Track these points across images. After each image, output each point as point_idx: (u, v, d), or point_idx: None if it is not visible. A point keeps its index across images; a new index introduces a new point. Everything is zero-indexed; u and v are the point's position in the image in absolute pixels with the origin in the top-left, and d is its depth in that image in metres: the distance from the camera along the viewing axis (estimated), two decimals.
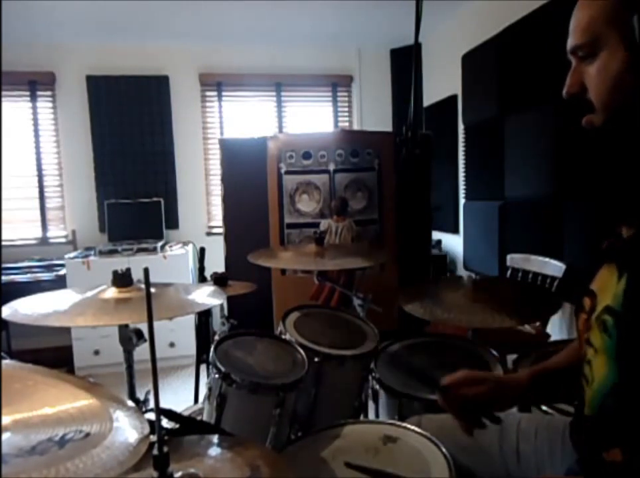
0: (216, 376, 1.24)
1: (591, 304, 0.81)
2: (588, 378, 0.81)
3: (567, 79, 0.79)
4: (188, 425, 1.08)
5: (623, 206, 0.84)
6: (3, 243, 3.66)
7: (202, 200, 4.20)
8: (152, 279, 0.73)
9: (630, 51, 0.71)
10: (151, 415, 0.71)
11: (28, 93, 3.88)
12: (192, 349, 2.74)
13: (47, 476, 0.54)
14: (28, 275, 3.53)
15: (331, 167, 2.84)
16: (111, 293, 1.17)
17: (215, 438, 0.96)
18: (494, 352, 1.52)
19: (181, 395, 3.04)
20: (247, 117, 4.26)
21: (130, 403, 0.74)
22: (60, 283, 3.38)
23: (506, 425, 1.04)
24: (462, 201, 3.65)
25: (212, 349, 1.32)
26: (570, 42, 0.78)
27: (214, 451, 0.92)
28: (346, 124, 4.45)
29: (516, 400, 1.00)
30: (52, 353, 3.45)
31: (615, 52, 0.72)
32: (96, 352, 3.43)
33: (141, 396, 1.26)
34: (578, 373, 0.87)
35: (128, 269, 1.21)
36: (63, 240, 3.98)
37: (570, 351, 1.02)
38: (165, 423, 1.04)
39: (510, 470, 0.99)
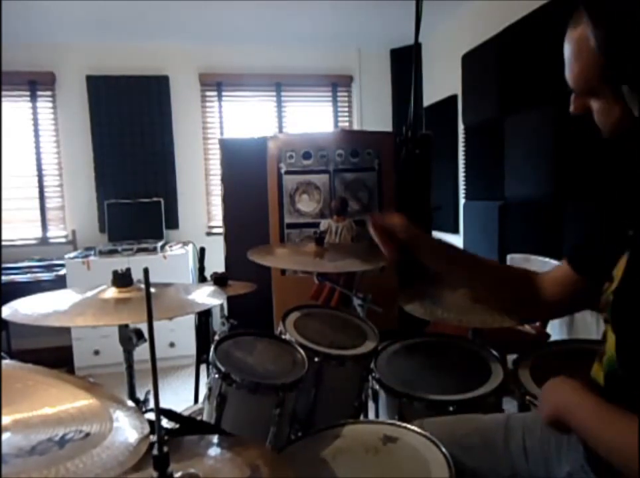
0: (216, 376, 1.25)
1: (609, 287, 0.85)
2: (606, 352, 0.84)
3: (571, 101, 0.83)
4: (188, 425, 1.08)
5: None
6: (3, 243, 3.66)
7: (202, 200, 4.20)
8: (152, 279, 0.73)
9: (625, 103, 0.73)
10: (151, 415, 0.71)
11: (28, 93, 3.88)
12: (192, 349, 2.74)
13: (47, 476, 0.54)
14: (28, 275, 3.53)
15: (331, 167, 2.84)
16: (111, 293, 1.17)
17: (215, 438, 0.96)
18: (494, 352, 1.52)
19: (181, 395, 3.04)
20: (247, 117, 4.26)
21: (130, 403, 0.74)
22: (60, 283, 3.38)
23: (511, 423, 1.04)
24: (462, 201, 3.65)
25: (212, 349, 1.32)
26: (568, 80, 0.81)
27: (214, 451, 0.92)
28: (346, 124, 4.45)
29: (427, 251, 1.06)
30: (52, 353, 3.45)
31: (611, 103, 0.76)
32: (96, 352, 3.43)
33: (141, 396, 1.26)
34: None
35: (128, 269, 1.21)
36: (63, 240, 3.98)
37: (506, 266, 1.09)
38: (165, 423, 1.04)
39: (518, 469, 0.99)
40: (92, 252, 3.57)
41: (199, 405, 1.95)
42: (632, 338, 0.76)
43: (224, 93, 4.20)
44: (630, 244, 0.84)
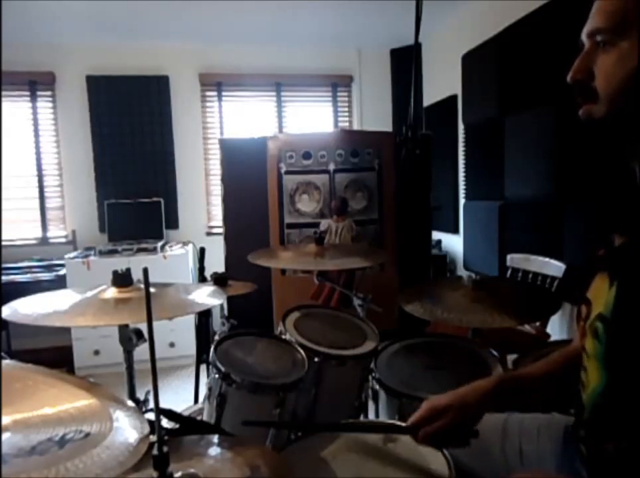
0: (216, 376, 1.25)
1: (587, 312, 0.82)
2: (584, 383, 0.82)
3: (575, 64, 0.76)
4: (188, 425, 1.08)
5: (616, 214, 0.85)
6: (3, 243, 3.66)
7: (202, 200, 4.20)
8: (152, 279, 0.73)
9: None
10: (151, 415, 0.71)
11: (28, 93, 3.87)
12: (192, 349, 2.74)
13: (47, 476, 0.54)
14: (28, 275, 3.53)
15: (331, 167, 2.84)
16: (111, 293, 1.17)
17: (215, 438, 0.96)
18: (494, 352, 1.52)
19: (181, 395, 3.03)
20: (247, 117, 4.26)
21: (130, 403, 0.75)
22: (60, 283, 3.38)
23: (508, 425, 1.04)
24: (462, 201, 3.65)
25: (212, 349, 1.32)
26: (591, 24, 0.75)
27: (214, 451, 0.92)
28: (346, 124, 4.45)
29: (483, 411, 0.97)
30: (52, 353, 3.45)
31: (631, 49, 0.69)
32: (96, 352, 3.43)
33: (141, 396, 1.26)
34: (559, 383, 0.92)
35: (128, 269, 1.21)
36: (63, 240, 3.98)
37: (548, 362, 1.01)
38: (165, 423, 1.04)
39: (513, 470, 0.99)
40: (92, 252, 3.57)
41: (199, 405, 1.95)
42: (626, 380, 0.73)
43: (224, 93, 4.19)
44: (601, 265, 0.82)
